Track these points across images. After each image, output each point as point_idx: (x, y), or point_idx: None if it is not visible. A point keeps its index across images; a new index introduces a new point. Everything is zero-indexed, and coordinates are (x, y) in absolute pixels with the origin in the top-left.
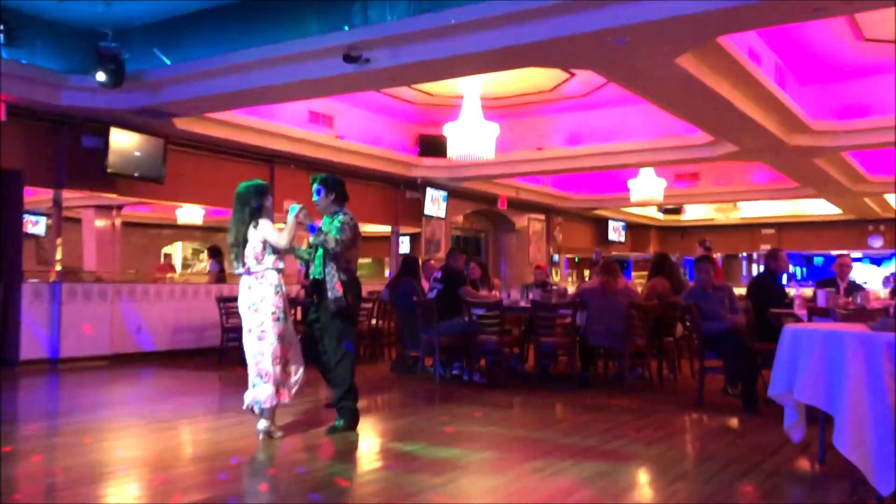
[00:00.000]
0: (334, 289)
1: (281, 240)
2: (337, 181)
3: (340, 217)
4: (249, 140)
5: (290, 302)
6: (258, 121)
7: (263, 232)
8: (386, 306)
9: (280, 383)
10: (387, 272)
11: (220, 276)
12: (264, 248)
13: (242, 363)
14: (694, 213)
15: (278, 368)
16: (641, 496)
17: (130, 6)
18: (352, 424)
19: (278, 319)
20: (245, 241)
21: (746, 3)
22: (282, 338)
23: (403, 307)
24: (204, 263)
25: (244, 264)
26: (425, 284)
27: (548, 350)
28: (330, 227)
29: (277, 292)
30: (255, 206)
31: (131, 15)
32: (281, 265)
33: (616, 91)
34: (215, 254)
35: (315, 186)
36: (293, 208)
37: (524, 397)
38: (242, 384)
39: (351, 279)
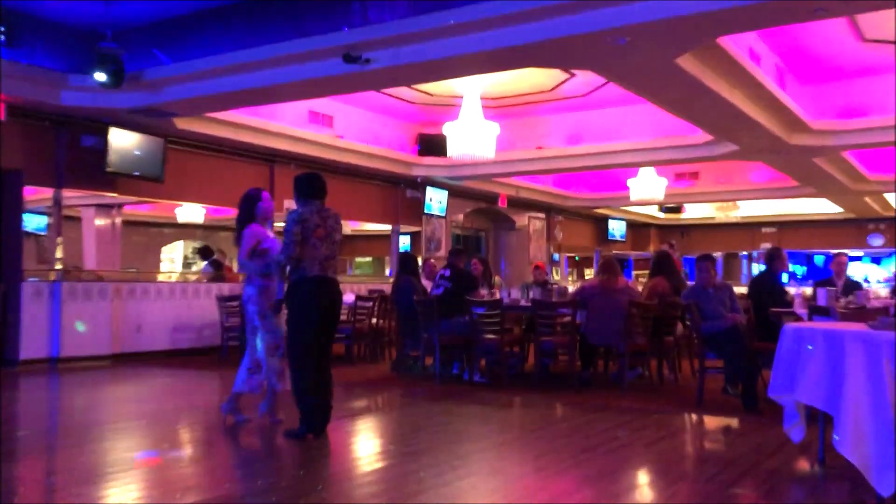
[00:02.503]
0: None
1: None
2: (296, 179)
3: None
4: (250, 139)
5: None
6: (258, 120)
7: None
8: (387, 305)
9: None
10: (387, 271)
11: (217, 275)
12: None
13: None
14: (694, 211)
15: (273, 360)
16: (642, 496)
17: (130, 6)
18: (307, 428)
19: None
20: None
21: (746, 3)
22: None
23: (404, 306)
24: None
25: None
26: (426, 283)
27: (548, 349)
28: None
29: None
30: (249, 212)
31: (131, 15)
32: (266, 270)
33: (616, 91)
34: (206, 254)
35: None
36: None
37: (524, 397)
38: None
39: (302, 279)
